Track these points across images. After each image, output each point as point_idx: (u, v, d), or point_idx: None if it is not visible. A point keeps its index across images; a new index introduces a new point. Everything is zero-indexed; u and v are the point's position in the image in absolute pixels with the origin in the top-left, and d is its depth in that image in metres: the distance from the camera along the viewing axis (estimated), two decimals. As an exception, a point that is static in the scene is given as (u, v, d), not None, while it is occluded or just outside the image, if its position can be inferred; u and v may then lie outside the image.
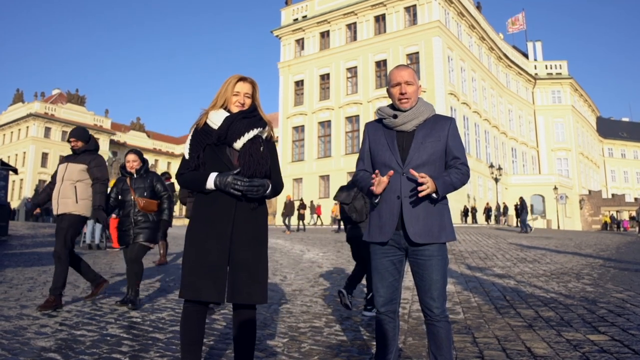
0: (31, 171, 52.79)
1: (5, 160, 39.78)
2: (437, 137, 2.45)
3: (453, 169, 2.45)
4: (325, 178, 36.50)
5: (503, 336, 3.95)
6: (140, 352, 3.33)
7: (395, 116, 2.49)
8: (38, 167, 53.46)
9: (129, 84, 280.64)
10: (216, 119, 2.51)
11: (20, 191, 52.65)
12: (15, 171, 15.43)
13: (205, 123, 2.53)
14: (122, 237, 5.01)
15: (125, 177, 5.12)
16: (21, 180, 52.68)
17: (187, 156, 2.51)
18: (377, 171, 2.41)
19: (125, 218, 4.99)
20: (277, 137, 39.32)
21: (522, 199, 23.55)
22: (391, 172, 2.36)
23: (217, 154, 2.47)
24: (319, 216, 33.30)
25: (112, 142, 60.84)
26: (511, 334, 4.01)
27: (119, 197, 5.07)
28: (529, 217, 35.05)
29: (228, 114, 2.52)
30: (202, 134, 2.50)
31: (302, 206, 24.79)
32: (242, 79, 2.57)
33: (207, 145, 2.48)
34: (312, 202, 33.67)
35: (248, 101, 2.56)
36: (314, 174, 37.07)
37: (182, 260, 2.46)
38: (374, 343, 2.75)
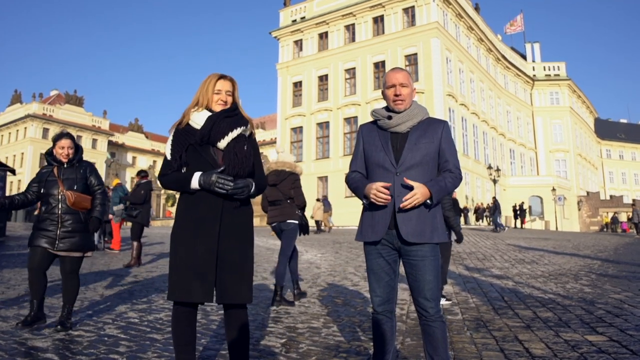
0: (29, 172, 52.71)
1: (3, 161, 39.64)
2: (431, 139, 2.48)
3: (447, 172, 2.48)
4: (323, 179, 36.49)
5: (501, 337, 3.95)
6: (138, 352, 3.32)
7: (389, 117, 2.52)
8: (36, 168, 53.32)
9: (127, 85, 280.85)
10: (199, 119, 2.49)
11: (18, 192, 52.51)
12: (13, 172, 15.39)
13: (187, 123, 2.51)
14: (37, 236, 3.99)
15: (51, 166, 4.17)
16: (19, 181, 52.63)
17: (169, 157, 2.48)
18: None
19: (48, 215, 4.01)
20: (275, 138, 39.30)
21: (495, 199, 24.06)
22: (389, 184, 2.40)
23: (202, 153, 2.46)
24: None
25: (110, 143, 60.76)
26: (509, 335, 4.01)
27: (42, 190, 4.08)
28: (528, 217, 35.13)
29: (210, 114, 2.51)
30: (184, 134, 2.48)
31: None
32: (222, 77, 2.56)
33: (190, 145, 2.46)
34: None
35: (230, 99, 2.55)
36: (312, 175, 37.02)
37: (169, 261, 2.44)
38: (372, 344, 2.75)
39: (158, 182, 2.75)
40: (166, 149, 2.52)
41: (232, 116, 2.51)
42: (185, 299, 2.35)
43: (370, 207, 2.48)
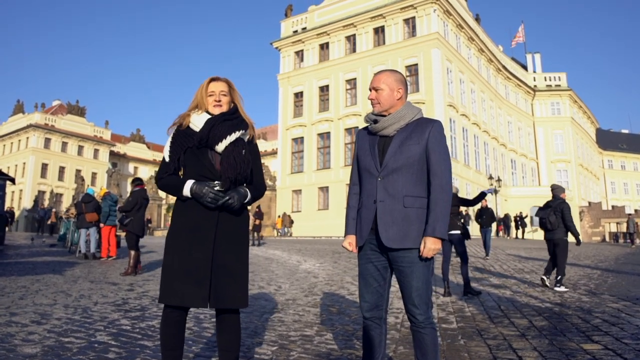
0: (31, 182, 52.84)
1: (5, 170, 39.74)
2: (417, 140, 2.40)
3: (435, 194, 2.36)
4: (324, 190, 36.44)
5: (495, 345, 3.91)
6: (127, 358, 3.29)
7: (375, 121, 2.50)
8: (38, 177, 53.51)
9: (129, 95, 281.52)
10: (198, 121, 2.48)
11: (19, 201, 52.66)
12: (13, 181, 15.42)
13: (188, 126, 2.50)
14: None
15: None
16: (20, 190, 52.73)
17: (167, 159, 2.47)
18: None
19: None
20: (276, 148, 39.30)
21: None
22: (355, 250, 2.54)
23: (199, 157, 2.44)
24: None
25: (112, 153, 60.91)
26: (503, 343, 3.97)
27: None
28: (529, 228, 35.02)
29: (210, 117, 2.49)
30: (183, 137, 2.47)
31: (259, 215, 21.16)
32: (214, 79, 2.55)
33: (189, 148, 2.45)
34: None
35: (225, 99, 2.52)
36: (313, 185, 37.01)
37: (163, 265, 2.42)
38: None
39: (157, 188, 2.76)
40: (165, 150, 2.50)
41: (231, 119, 2.50)
42: (179, 304, 2.33)
43: (360, 211, 2.51)
